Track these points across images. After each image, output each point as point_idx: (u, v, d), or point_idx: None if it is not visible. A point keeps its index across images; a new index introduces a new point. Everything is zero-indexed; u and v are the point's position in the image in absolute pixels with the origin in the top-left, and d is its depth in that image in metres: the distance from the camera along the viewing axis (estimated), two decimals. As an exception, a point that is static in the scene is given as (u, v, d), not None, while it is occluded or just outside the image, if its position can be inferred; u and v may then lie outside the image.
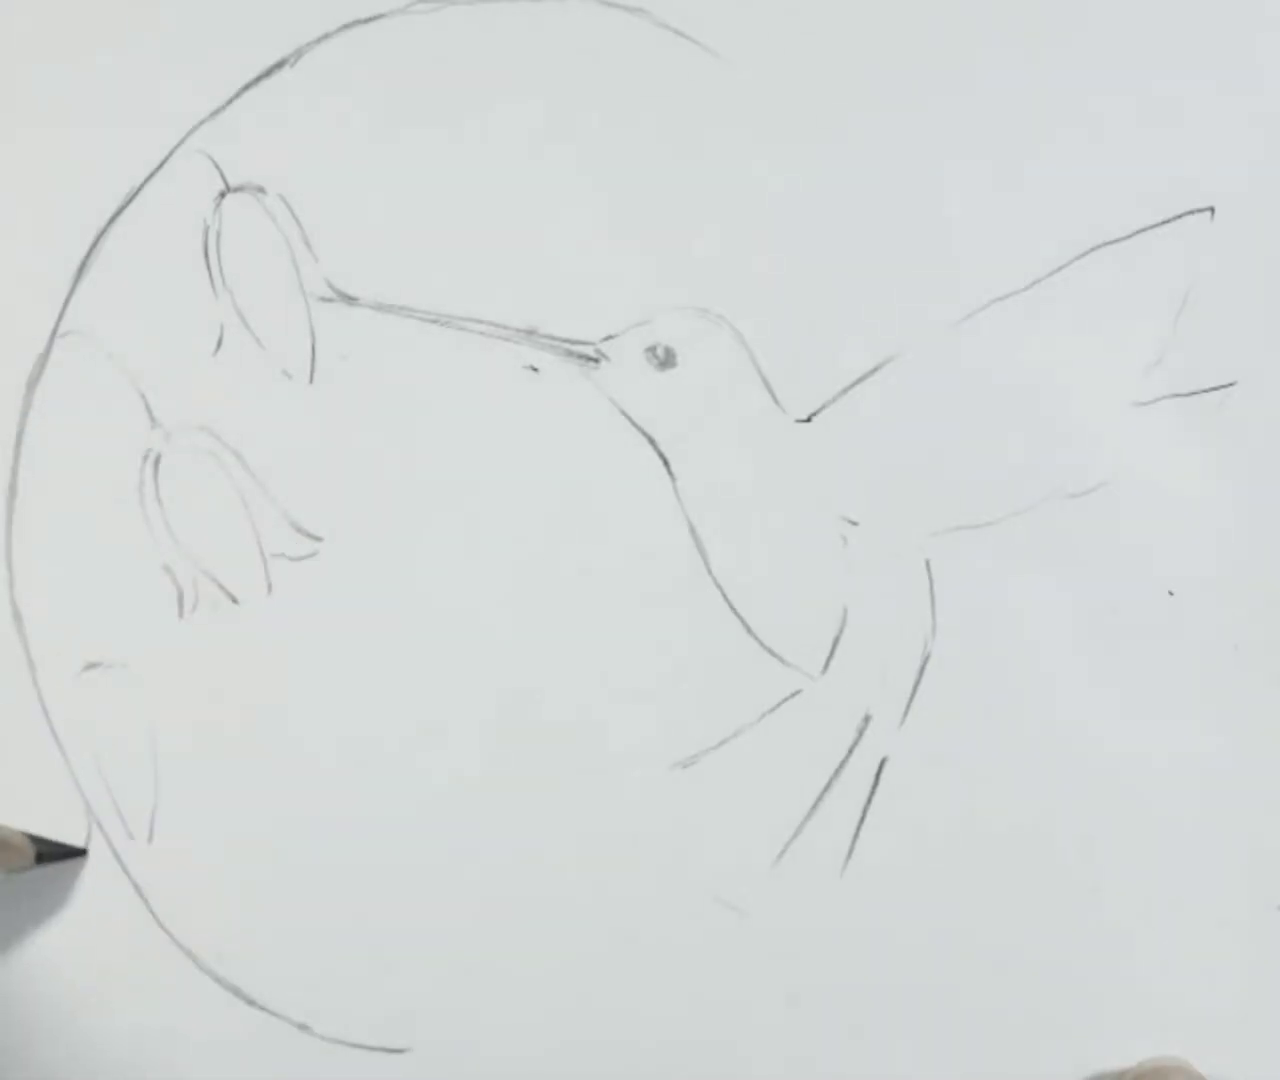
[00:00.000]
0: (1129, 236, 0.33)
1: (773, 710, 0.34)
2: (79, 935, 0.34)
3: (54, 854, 0.34)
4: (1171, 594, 0.33)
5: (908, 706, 0.34)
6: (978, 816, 0.34)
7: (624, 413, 0.34)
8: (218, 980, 0.34)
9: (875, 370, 0.34)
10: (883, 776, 0.34)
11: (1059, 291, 0.33)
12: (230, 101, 0.34)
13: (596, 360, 0.34)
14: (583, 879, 0.34)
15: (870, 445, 0.34)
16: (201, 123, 0.34)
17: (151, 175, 0.34)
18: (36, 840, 0.33)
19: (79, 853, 0.34)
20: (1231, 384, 0.33)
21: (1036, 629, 0.34)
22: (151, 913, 0.34)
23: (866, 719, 0.34)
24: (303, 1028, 0.34)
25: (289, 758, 0.34)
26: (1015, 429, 0.34)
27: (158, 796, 0.34)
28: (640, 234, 0.34)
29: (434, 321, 0.34)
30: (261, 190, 0.34)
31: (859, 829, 0.34)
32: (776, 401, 0.34)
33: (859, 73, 0.33)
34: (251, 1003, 0.34)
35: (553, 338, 0.34)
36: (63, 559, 0.34)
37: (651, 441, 0.34)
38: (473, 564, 0.34)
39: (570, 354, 0.34)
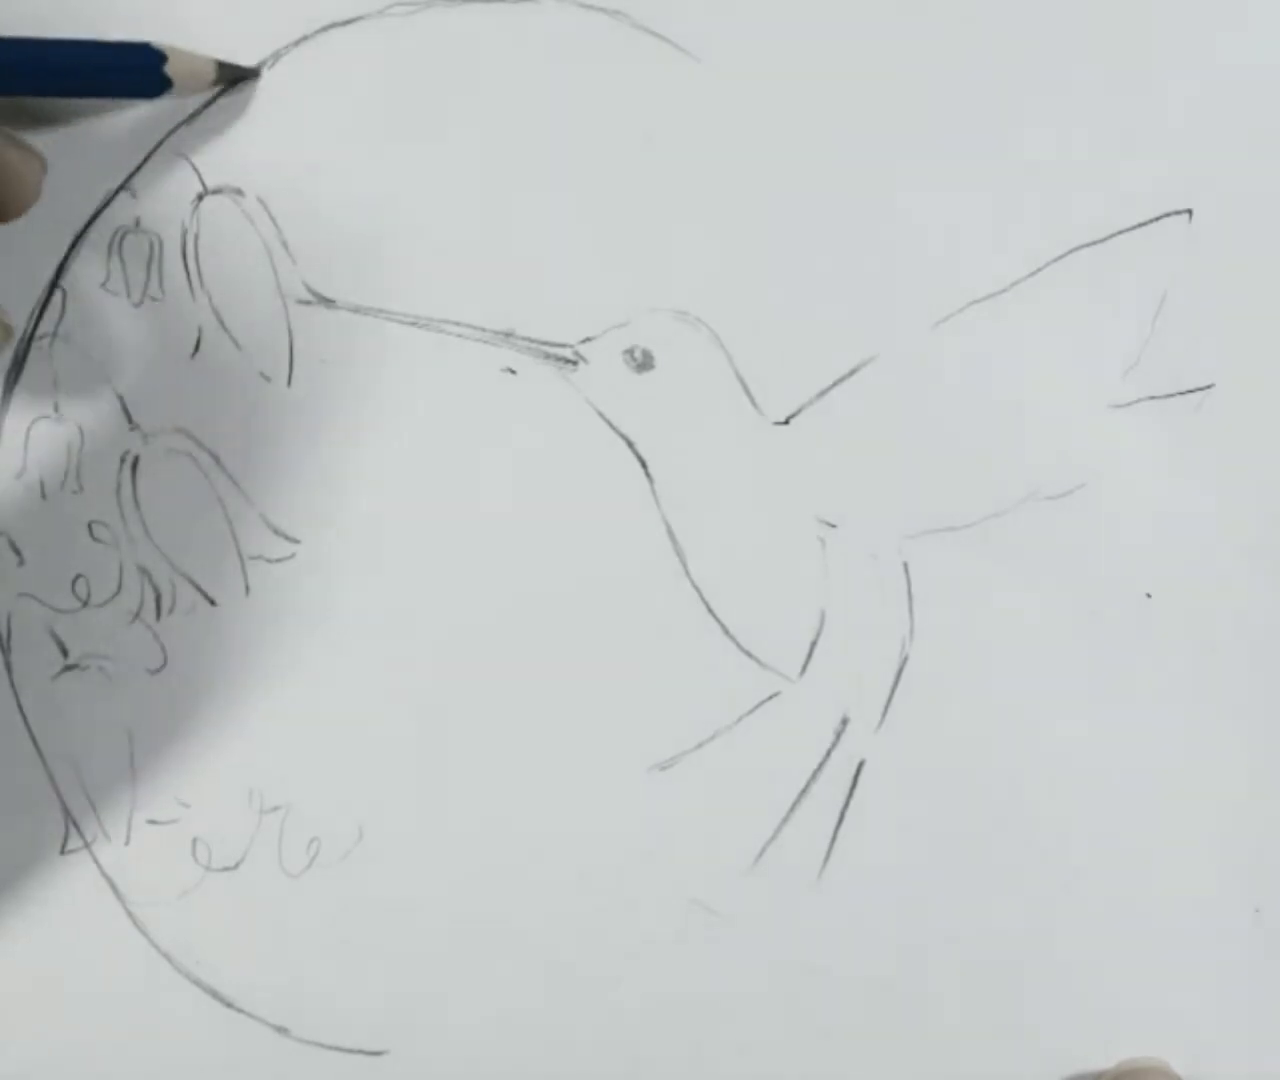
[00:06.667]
0: (1107, 238, 0.33)
1: (750, 713, 0.34)
2: (54, 937, 0.34)
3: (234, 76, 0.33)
4: (1149, 596, 0.33)
5: (885, 709, 0.34)
6: (955, 818, 0.34)
7: (602, 415, 0.34)
8: (195, 982, 0.34)
9: (853, 372, 0.34)
10: (860, 779, 0.34)
11: (1037, 293, 0.33)
12: (208, 104, 0.34)
13: (574, 362, 0.34)
14: (559, 881, 0.34)
15: (848, 447, 0.34)
16: (179, 124, 0.34)
17: (130, 177, 0.34)
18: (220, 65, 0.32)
19: (254, 73, 0.33)
20: (1209, 386, 0.33)
21: (1014, 631, 0.34)
22: (128, 914, 0.34)
23: (844, 721, 0.34)
24: (281, 1030, 0.34)
25: (266, 759, 0.34)
26: (993, 431, 0.34)
27: (135, 798, 0.34)
28: (618, 236, 0.34)
29: (411, 323, 0.34)
30: (240, 192, 0.34)
31: (836, 831, 0.34)
32: (754, 404, 0.34)
33: (837, 75, 0.33)
34: (229, 1005, 0.34)
35: (530, 340, 0.34)
36: (39, 560, 0.34)
37: (629, 444, 0.34)
38: (450, 566, 0.34)
39: (548, 356, 0.34)
